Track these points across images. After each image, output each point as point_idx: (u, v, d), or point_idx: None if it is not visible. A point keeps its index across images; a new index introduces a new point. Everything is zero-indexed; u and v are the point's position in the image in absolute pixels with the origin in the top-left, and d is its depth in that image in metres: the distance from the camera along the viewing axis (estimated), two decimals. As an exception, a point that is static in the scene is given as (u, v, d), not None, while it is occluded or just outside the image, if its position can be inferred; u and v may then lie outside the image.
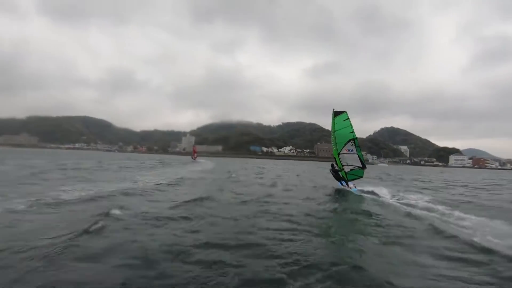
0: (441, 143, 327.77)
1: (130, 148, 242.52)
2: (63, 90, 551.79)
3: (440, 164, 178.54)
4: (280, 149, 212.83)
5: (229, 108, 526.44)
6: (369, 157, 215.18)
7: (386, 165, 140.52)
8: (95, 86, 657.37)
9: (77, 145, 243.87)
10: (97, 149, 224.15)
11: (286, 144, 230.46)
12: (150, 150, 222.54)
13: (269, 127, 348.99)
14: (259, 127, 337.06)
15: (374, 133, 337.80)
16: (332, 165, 16.04)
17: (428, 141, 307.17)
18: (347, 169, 14.85)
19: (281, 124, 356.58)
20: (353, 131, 14.29)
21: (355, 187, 14.56)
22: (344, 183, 15.21)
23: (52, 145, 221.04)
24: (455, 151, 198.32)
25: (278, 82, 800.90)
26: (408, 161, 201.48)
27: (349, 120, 14.39)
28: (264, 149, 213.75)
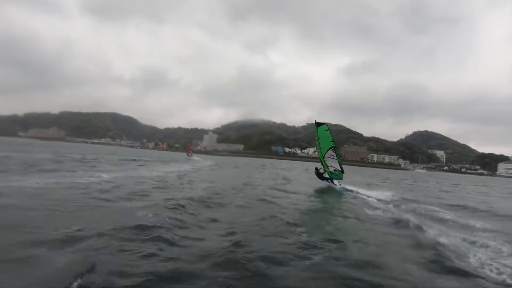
0: (481, 149, 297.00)
1: (151, 144, 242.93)
2: (99, 87, 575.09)
3: (485, 172, 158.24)
4: (303, 150, 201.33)
5: (257, 107, 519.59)
6: (401, 162, 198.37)
7: (425, 171, 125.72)
8: (128, 84, 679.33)
9: (103, 140, 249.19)
10: (121, 145, 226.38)
11: (310, 145, 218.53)
12: (171, 148, 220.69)
13: (293, 127, 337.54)
14: (283, 127, 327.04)
15: (406, 137, 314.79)
16: (316, 168, 18.75)
17: (468, 147, 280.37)
18: (331, 169, 17.53)
19: (305, 124, 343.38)
20: (333, 141, 17.29)
21: (339, 184, 17.23)
22: (329, 181, 17.79)
23: (79, 140, 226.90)
24: (504, 158, 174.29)
25: (310, 81, 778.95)
26: (446, 167, 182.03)
27: (329, 131, 17.39)
28: (287, 149, 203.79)
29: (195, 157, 66.91)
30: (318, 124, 17.61)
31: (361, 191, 16.08)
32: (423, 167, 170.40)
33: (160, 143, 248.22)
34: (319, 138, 17.68)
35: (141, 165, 25.29)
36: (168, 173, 19.62)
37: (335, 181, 17.52)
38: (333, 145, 17.22)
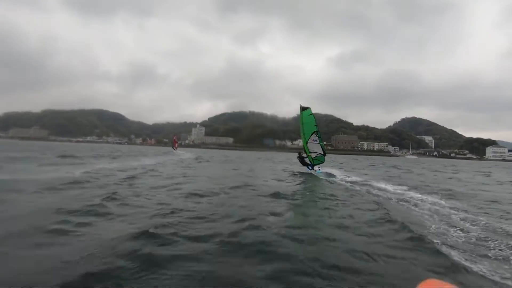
0: (468, 134, 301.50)
1: (139, 140, 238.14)
2: (85, 84, 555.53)
3: (474, 157, 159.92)
4: (294, 142, 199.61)
5: (247, 99, 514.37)
6: (390, 148, 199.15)
7: (416, 157, 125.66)
8: (116, 80, 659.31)
9: (88, 138, 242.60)
10: (108, 142, 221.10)
11: (299, 136, 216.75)
12: (159, 143, 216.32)
13: (283, 119, 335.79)
14: (274, 119, 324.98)
15: (394, 124, 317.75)
16: (299, 153, 19.71)
17: (455, 132, 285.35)
18: (313, 155, 17.73)
19: (296, 115, 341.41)
20: (317, 125, 17.51)
21: (319, 169, 17.53)
22: (311, 167, 18.06)
23: (63, 138, 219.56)
24: (491, 142, 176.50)
25: (301, 72, 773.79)
26: (435, 153, 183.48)
27: (313, 116, 17.51)
28: (277, 142, 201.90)
29: (180, 151, 65.52)
30: (303, 109, 17.67)
31: (339, 174, 17.30)
32: (413, 153, 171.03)
33: (148, 139, 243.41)
34: (303, 123, 17.74)
35: (82, 163, 19.16)
36: (103, 170, 14.56)
37: (315, 167, 17.90)
38: (316, 129, 17.53)
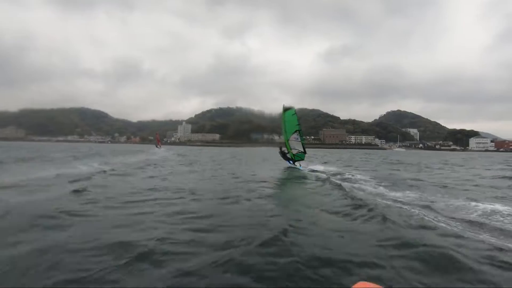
0: (451, 126, 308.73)
1: (123, 138, 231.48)
2: (66, 82, 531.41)
3: (458, 148, 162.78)
4: (281, 136, 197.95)
5: (234, 95, 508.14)
6: (377, 141, 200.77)
7: (404, 150, 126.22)
8: (98, 77, 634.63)
9: (69, 138, 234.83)
10: (89, 141, 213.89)
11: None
12: (144, 140, 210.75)
13: (270, 115, 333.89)
14: (261, 115, 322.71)
15: (380, 117, 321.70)
16: (280, 148, 21.83)
17: (438, 124, 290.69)
18: (294, 151, 18.95)
19: (281, 112, 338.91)
20: (299, 124, 18.52)
21: (300, 165, 18.81)
22: (292, 162, 19.49)
23: (43, 138, 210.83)
24: (474, 133, 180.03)
25: (289, 67, 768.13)
26: (421, 145, 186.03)
27: (296, 115, 18.53)
28: (265, 136, 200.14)
29: (162, 148, 64.66)
30: (286, 109, 18.85)
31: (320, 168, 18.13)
32: (400, 146, 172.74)
33: (132, 137, 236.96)
34: (285, 121, 18.93)
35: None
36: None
37: (297, 163, 19.08)
38: (299, 128, 18.50)
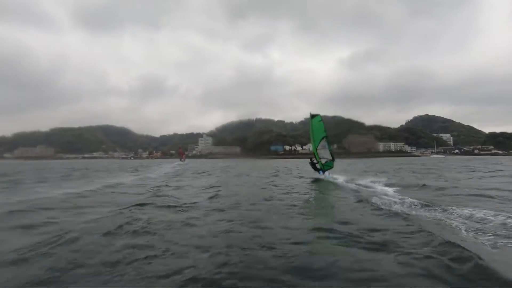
0: (485, 129, 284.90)
1: (145, 154, 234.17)
2: (94, 101, 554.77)
3: (500, 152, 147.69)
4: (304, 147, 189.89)
5: (256, 107, 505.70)
6: (407, 148, 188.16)
7: (442, 156, 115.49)
8: (124, 95, 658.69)
9: (95, 154, 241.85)
10: (113, 157, 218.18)
11: (310, 141, 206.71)
12: (165, 155, 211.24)
13: (291, 123, 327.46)
14: (281, 124, 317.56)
15: (406, 123, 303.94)
16: (310, 159, 20.57)
17: (473, 128, 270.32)
18: (323, 161, 18.92)
19: (303, 119, 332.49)
20: (326, 130, 18.58)
21: (329, 174, 18.43)
22: (322, 172, 18.97)
23: (70, 156, 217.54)
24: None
25: (310, 76, 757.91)
26: (456, 150, 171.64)
27: (322, 121, 18.69)
28: (287, 147, 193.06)
29: (187, 161, 69.16)
30: (313, 116, 18.73)
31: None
32: (436, 151, 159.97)
33: (154, 152, 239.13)
34: (313, 130, 18.75)
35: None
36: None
37: (326, 173, 18.56)
38: (325, 135, 18.44)
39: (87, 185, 16.62)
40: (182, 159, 66.16)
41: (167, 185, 16.12)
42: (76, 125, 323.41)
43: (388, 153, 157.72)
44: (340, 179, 17.18)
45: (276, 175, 23.93)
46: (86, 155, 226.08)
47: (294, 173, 27.07)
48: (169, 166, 45.10)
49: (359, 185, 14.62)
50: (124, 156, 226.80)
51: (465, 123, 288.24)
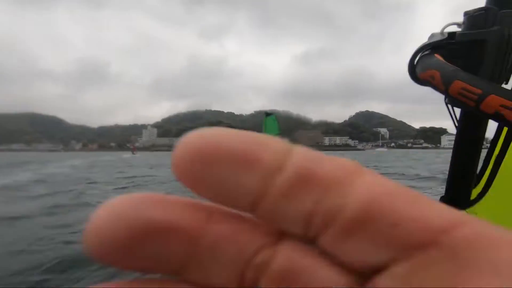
0: (415, 125, 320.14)
1: (79, 146, 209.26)
2: (17, 84, 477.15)
3: (430, 146, 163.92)
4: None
5: (208, 99, 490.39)
6: (350, 142, 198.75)
7: (386, 149, 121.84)
8: (58, 80, 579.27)
9: (14, 146, 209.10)
10: (37, 150, 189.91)
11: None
12: (103, 147, 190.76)
13: (241, 116, 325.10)
14: (231, 116, 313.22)
15: (349, 118, 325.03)
16: None
17: (405, 123, 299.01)
18: None
19: (253, 112, 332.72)
20: (280, 129, 17.65)
21: None
22: None
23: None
24: (443, 131, 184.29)
25: (265, 69, 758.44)
26: (393, 144, 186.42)
27: (277, 121, 17.98)
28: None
29: (138, 154, 62.31)
30: (268, 114, 19.01)
31: None
32: (379, 146, 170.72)
33: (89, 144, 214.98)
34: (266, 130, 18.46)
35: None
36: None
37: None
38: (278, 133, 17.84)
39: None
40: (134, 152, 66.59)
41: None
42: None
43: (334, 147, 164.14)
44: None
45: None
46: (3, 148, 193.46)
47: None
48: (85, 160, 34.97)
49: None
50: (51, 148, 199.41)
51: (398, 119, 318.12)
